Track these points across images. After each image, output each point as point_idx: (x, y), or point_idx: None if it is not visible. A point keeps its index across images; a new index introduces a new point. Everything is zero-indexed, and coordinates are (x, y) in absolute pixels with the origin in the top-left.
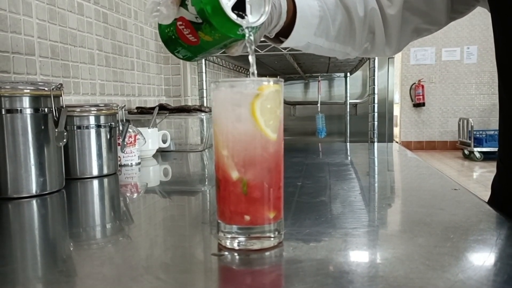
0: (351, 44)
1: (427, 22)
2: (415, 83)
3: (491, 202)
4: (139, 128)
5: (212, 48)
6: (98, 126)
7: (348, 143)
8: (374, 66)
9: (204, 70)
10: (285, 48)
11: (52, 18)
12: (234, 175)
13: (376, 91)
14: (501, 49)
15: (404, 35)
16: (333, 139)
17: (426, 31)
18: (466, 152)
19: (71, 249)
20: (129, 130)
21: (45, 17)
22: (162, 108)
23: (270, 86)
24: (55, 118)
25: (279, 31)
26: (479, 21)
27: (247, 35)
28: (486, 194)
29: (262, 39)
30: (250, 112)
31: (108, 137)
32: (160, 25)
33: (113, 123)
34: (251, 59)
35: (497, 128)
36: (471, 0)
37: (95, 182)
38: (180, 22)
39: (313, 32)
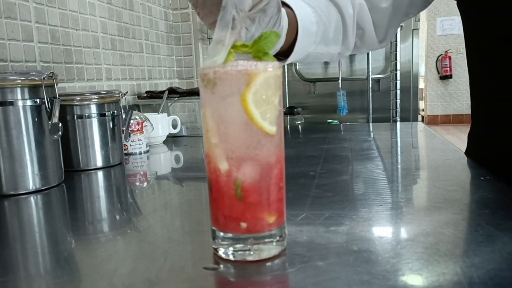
0: (343, 43)
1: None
2: (441, 54)
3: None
4: (146, 114)
5: None
6: (100, 114)
7: (371, 123)
8: (396, 40)
9: None
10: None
11: (50, 1)
12: (228, 175)
13: (398, 67)
14: (471, 52)
15: (394, 23)
16: (355, 116)
17: (412, 13)
18: None
19: (73, 246)
20: (136, 117)
21: (43, 0)
22: (172, 91)
23: (265, 72)
24: (47, 110)
25: (279, 52)
26: None
27: None
28: None
29: None
30: (242, 105)
31: (111, 125)
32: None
33: (115, 111)
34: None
35: None
36: None
37: (100, 174)
38: None
39: (313, 41)
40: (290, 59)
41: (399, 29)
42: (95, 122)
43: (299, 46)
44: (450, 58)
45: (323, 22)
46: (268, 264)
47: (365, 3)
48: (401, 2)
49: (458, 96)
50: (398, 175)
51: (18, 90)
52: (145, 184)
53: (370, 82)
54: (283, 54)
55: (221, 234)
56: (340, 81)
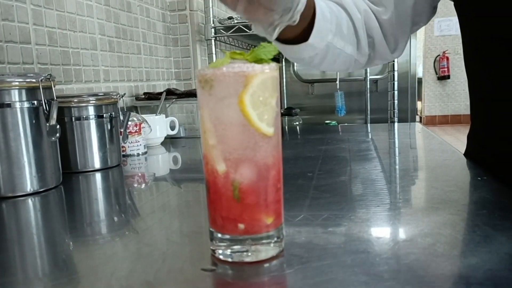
0: (358, 47)
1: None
2: (439, 55)
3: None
4: (144, 116)
5: None
6: (98, 116)
7: (369, 124)
8: None
9: (214, 51)
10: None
11: (47, 2)
12: (225, 177)
13: (396, 68)
14: (469, 53)
15: (403, 34)
16: (353, 117)
17: (422, 21)
18: None
19: (71, 248)
20: (134, 118)
21: (40, 2)
22: (170, 93)
23: (262, 73)
24: (45, 111)
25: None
26: None
27: None
28: None
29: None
30: (239, 107)
31: (109, 127)
32: None
33: (113, 113)
34: None
35: None
36: None
37: (98, 175)
38: None
39: (329, 28)
40: (311, 39)
41: None
42: (93, 124)
43: (318, 26)
44: (448, 58)
45: (335, 14)
46: (266, 265)
47: (370, 11)
48: (403, 13)
49: (456, 96)
50: (396, 175)
51: (16, 92)
52: (143, 185)
53: (368, 83)
54: (299, 39)
55: (219, 235)
56: (338, 82)
